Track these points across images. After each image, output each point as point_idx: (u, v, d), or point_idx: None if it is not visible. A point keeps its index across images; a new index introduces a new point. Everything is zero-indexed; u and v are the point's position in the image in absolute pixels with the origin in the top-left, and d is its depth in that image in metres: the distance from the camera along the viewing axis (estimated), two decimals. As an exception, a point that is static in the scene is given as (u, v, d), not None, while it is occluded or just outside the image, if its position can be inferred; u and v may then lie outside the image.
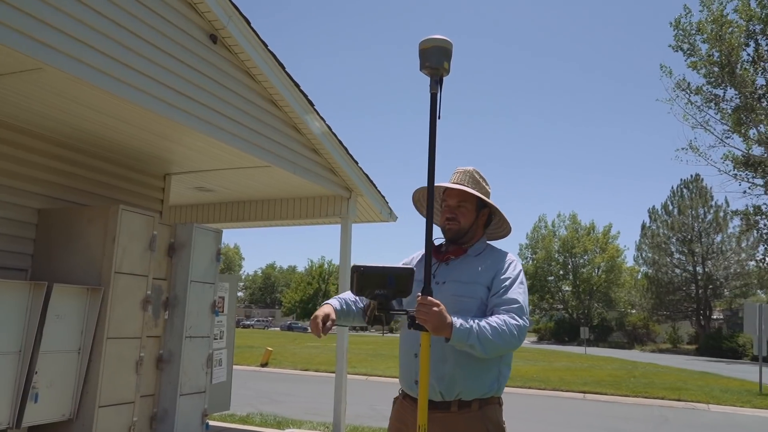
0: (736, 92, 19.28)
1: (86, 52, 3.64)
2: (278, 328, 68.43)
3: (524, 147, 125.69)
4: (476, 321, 2.01)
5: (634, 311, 52.47)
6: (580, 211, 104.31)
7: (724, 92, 19.82)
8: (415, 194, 2.47)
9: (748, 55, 19.23)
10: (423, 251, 2.47)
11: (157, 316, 5.21)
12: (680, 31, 19.73)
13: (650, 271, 47.29)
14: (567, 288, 56.51)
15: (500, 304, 2.12)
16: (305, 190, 6.90)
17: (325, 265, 64.79)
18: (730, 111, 19.59)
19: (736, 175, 20.60)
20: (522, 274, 2.25)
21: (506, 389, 2.23)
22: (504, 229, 2.46)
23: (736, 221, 34.08)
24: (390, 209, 7.76)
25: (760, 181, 20.36)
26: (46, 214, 5.11)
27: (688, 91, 20.39)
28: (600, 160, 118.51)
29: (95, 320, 4.62)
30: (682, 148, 23.96)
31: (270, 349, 19.85)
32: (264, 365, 18.14)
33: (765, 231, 22.94)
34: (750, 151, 19.78)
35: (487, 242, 2.39)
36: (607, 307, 53.79)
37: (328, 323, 2.12)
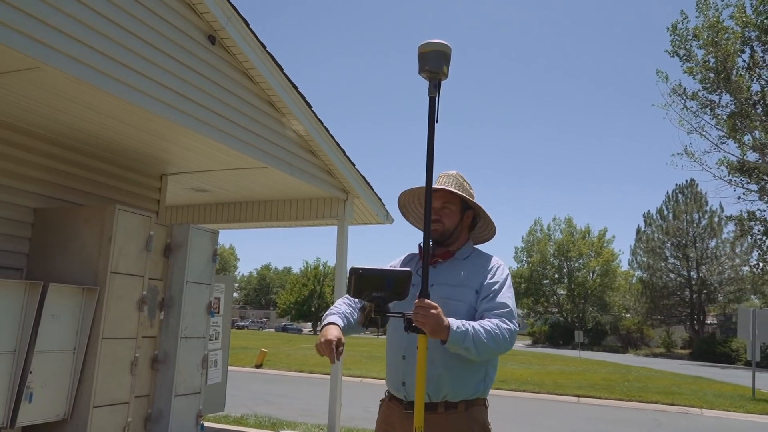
0: (732, 98, 19.37)
1: (85, 52, 3.64)
2: (273, 330, 68.36)
3: (521, 152, 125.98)
4: (471, 324, 2.04)
5: (628, 315, 52.57)
6: (575, 215, 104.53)
7: (720, 98, 19.91)
8: (401, 198, 2.49)
9: (744, 61, 19.32)
10: (408, 254, 2.49)
11: (153, 316, 5.20)
12: (677, 37, 19.81)
13: (645, 275, 47.40)
14: (562, 291, 56.59)
15: (490, 309, 2.15)
16: (302, 192, 6.90)
17: (321, 267, 64.65)
18: (725, 117, 19.67)
19: (730, 180, 20.68)
20: (509, 277, 2.29)
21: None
22: (489, 232, 2.49)
23: (731, 226, 34.20)
24: (386, 211, 7.78)
25: (754, 187, 20.45)
26: (42, 213, 5.10)
27: (684, 97, 20.47)
28: (595, 165, 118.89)
29: (90, 320, 4.61)
30: (678, 153, 23.96)
31: (265, 350, 19.81)
32: (258, 366, 18.10)
33: (759, 237, 23.02)
34: (745, 157, 19.86)
35: (474, 246, 2.42)
36: (602, 310, 53.87)
37: (341, 348, 2.04)
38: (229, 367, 7.24)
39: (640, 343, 49.11)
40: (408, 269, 1.98)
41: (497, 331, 2.05)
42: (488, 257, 2.34)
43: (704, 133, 20.56)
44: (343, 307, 2.29)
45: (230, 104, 5.02)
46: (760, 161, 19.34)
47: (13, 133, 4.94)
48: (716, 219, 43.67)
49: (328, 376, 7.11)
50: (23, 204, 5.06)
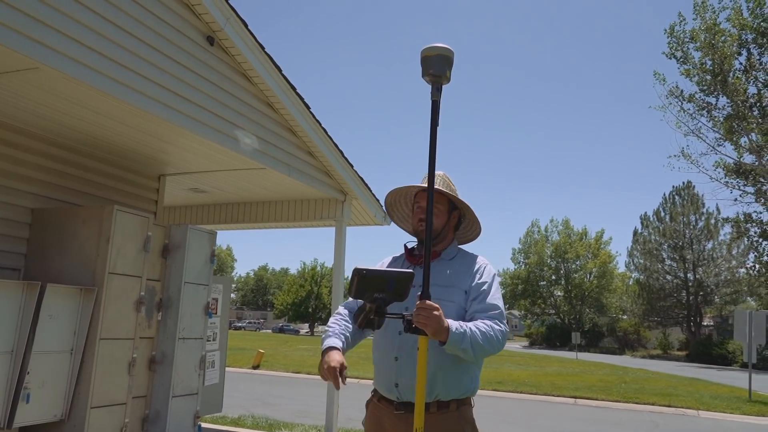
0: (728, 100, 19.41)
1: (83, 52, 3.64)
2: (270, 331, 68.27)
3: (521, 154, 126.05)
4: (468, 326, 2.07)
5: (625, 317, 52.66)
6: (572, 216, 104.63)
7: (717, 100, 19.96)
8: (388, 197, 2.49)
9: (740, 63, 19.38)
10: (395, 255, 2.49)
11: (151, 317, 5.20)
12: (674, 39, 19.86)
13: (642, 277, 47.48)
14: (559, 293, 56.65)
15: (481, 310, 2.18)
16: (300, 193, 6.90)
17: (318, 268, 64.57)
18: (722, 119, 19.72)
19: (727, 182, 20.72)
20: (496, 277, 2.32)
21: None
22: (473, 232, 2.52)
23: (727, 229, 34.30)
24: (384, 213, 7.78)
25: (751, 189, 20.48)
26: (40, 213, 5.09)
27: (681, 99, 20.51)
28: (593, 168, 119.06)
29: (88, 321, 4.60)
30: (675, 155, 23.95)
31: (262, 351, 19.79)
32: (256, 367, 18.08)
33: (755, 239, 23.07)
34: (741, 160, 19.91)
35: (458, 246, 2.44)
36: (599, 312, 53.93)
37: (344, 372, 2.05)
38: (227, 368, 7.23)
39: (637, 345, 49.19)
40: (410, 270, 1.98)
41: (491, 333, 2.09)
42: (474, 257, 2.37)
43: (701, 135, 20.60)
44: (337, 326, 2.27)
45: (228, 105, 5.01)
46: (757, 163, 19.39)
47: (11, 133, 4.93)
48: (713, 221, 43.77)
49: (326, 377, 7.08)
50: (21, 204, 5.05)
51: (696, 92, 20.22)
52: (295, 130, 5.92)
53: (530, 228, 58.61)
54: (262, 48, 5.13)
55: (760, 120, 18.74)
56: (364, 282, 1.89)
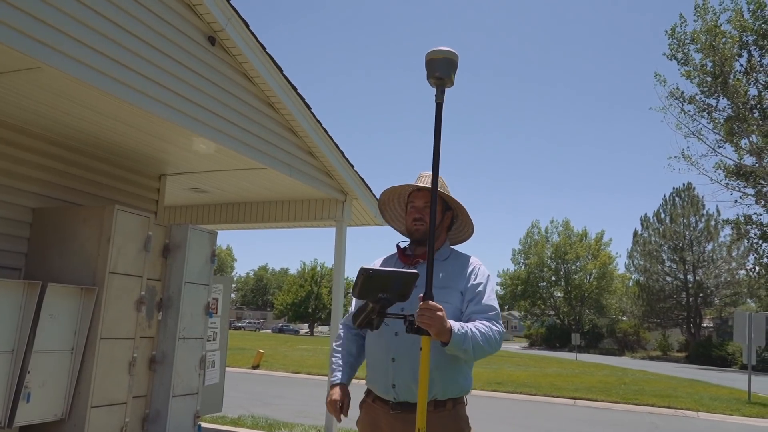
0: (729, 102, 19.44)
1: (84, 52, 3.64)
2: (270, 331, 68.28)
3: (521, 154, 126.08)
4: (468, 327, 2.09)
5: (625, 318, 52.65)
6: (573, 217, 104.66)
7: (717, 102, 19.99)
8: (383, 196, 2.50)
9: (741, 65, 19.40)
10: (386, 256, 2.50)
11: (151, 317, 5.20)
12: (675, 40, 19.89)
13: (641, 278, 47.48)
14: (559, 294, 56.67)
15: (478, 312, 2.20)
16: (300, 193, 6.91)
17: (318, 268, 64.56)
18: (722, 120, 19.74)
19: (727, 184, 20.75)
20: (490, 277, 2.35)
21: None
22: (465, 232, 2.53)
23: (727, 230, 34.29)
24: (385, 213, 7.77)
25: (751, 191, 20.51)
26: (40, 213, 5.10)
27: (682, 100, 20.53)
28: (593, 169, 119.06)
29: (89, 320, 4.60)
30: (675, 157, 24.09)
31: (262, 351, 19.79)
32: (255, 367, 18.08)
33: (755, 240, 23.10)
34: (741, 161, 19.93)
35: (451, 247, 2.45)
36: (599, 313, 53.95)
37: (346, 406, 2.31)
38: (227, 368, 7.24)
39: (637, 346, 49.19)
40: (415, 271, 1.99)
41: (490, 334, 2.12)
42: (467, 257, 2.38)
43: (701, 136, 20.64)
44: (341, 359, 2.42)
45: (229, 105, 5.02)
46: (757, 165, 19.40)
47: (12, 133, 4.93)
48: (713, 222, 43.79)
49: (325, 378, 7.12)
50: (22, 203, 5.05)
51: (696, 94, 20.26)
52: (295, 131, 5.92)
53: (530, 229, 58.66)
54: (264, 48, 5.14)
55: (760, 122, 18.75)
56: (370, 282, 1.89)
